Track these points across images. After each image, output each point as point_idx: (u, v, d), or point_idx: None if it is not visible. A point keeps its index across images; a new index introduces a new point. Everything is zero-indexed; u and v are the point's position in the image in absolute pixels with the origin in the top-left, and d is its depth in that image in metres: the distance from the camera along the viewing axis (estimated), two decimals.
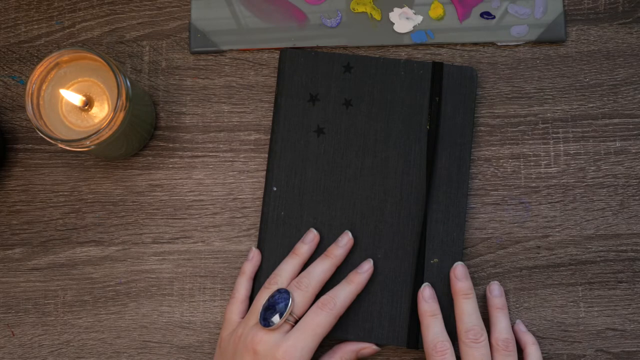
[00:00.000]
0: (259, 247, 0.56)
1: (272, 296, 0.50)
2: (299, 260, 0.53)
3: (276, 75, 0.59)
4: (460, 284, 0.52)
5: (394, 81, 0.56)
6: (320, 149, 0.56)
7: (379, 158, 0.56)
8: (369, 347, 0.53)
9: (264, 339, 0.48)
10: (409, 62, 0.57)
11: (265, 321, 0.49)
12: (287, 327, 0.49)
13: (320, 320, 0.49)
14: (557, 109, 0.58)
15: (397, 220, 0.55)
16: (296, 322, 0.50)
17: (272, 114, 0.58)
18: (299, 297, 0.50)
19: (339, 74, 0.57)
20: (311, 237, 0.54)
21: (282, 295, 0.50)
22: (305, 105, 0.57)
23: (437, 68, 0.56)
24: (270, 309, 0.49)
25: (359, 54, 0.58)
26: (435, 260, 0.54)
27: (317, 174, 0.56)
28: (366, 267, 0.53)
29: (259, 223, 0.57)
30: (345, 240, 0.54)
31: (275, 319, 0.49)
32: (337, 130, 0.56)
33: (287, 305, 0.49)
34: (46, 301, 0.58)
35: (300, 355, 0.48)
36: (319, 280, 0.51)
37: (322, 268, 0.52)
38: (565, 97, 0.58)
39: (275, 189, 0.56)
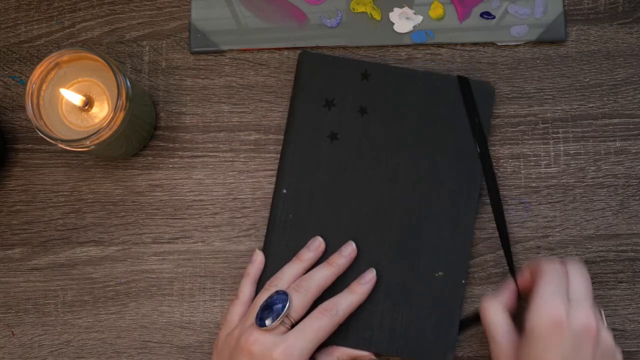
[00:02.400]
0: (264, 248, 0.55)
1: (270, 297, 0.50)
2: (302, 265, 0.53)
3: (276, 75, 0.59)
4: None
5: (410, 92, 0.56)
6: (333, 154, 0.56)
7: (390, 167, 0.55)
8: (367, 356, 0.53)
9: (260, 339, 0.48)
10: (427, 74, 0.56)
11: (261, 321, 0.49)
12: (282, 329, 0.49)
13: (321, 324, 0.49)
14: (557, 109, 0.58)
15: (404, 231, 0.55)
16: (292, 325, 0.49)
17: (272, 113, 0.58)
18: (297, 300, 0.50)
19: (356, 80, 0.56)
20: (316, 245, 0.54)
21: (281, 296, 0.49)
22: (321, 109, 0.56)
23: (455, 81, 0.56)
24: (267, 309, 0.49)
25: (363, 54, 0.58)
26: (440, 273, 0.54)
27: (327, 179, 0.55)
28: (368, 278, 0.53)
29: (258, 223, 0.57)
30: (349, 250, 0.54)
31: (271, 320, 0.48)
32: (351, 137, 0.56)
33: (284, 306, 0.49)
34: (46, 301, 0.58)
35: (299, 356, 0.48)
36: (318, 285, 0.51)
37: (323, 274, 0.52)
38: (565, 97, 0.58)
39: (285, 191, 0.56)
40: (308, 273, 0.52)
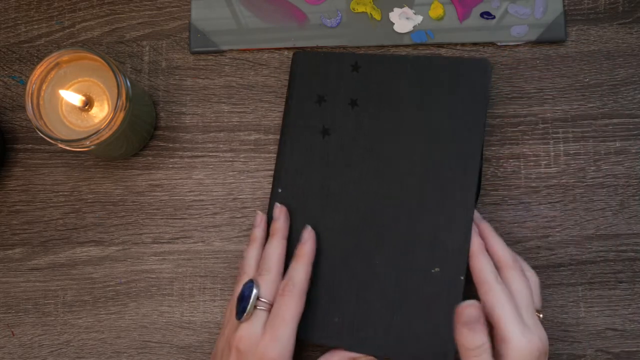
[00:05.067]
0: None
1: (241, 290, 0.51)
2: (257, 243, 0.54)
3: (276, 75, 0.59)
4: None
5: (401, 79, 0.54)
6: (325, 150, 0.55)
7: (382, 159, 0.54)
8: (364, 359, 0.53)
9: (244, 335, 0.49)
10: (416, 59, 0.54)
11: (239, 314, 0.50)
12: (262, 313, 0.49)
13: (285, 306, 0.49)
14: (557, 109, 0.58)
15: (398, 226, 0.53)
16: (271, 305, 0.50)
17: (272, 113, 0.58)
18: (264, 282, 0.50)
19: (346, 73, 0.55)
20: (258, 220, 0.55)
21: (248, 285, 0.50)
22: (313, 106, 0.56)
23: (446, 63, 0.53)
24: (241, 301, 0.50)
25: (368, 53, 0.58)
26: (437, 269, 0.51)
27: (321, 176, 0.55)
28: (306, 236, 0.53)
29: None
30: (283, 213, 0.54)
31: (245, 309, 0.49)
32: (342, 131, 0.55)
33: (251, 293, 0.49)
34: (46, 301, 0.58)
35: (282, 345, 0.48)
36: (274, 260, 0.52)
37: (272, 248, 0.52)
38: (565, 97, 0.58)
39: (280, 190, 0.55)
40: (263, 254, 0.53)
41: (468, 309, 0.46)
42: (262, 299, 0.50)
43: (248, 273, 0.52)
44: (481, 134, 0.52)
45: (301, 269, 0.51)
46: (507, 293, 0.48)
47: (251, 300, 0.49)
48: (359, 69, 0.55)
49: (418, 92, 0.54)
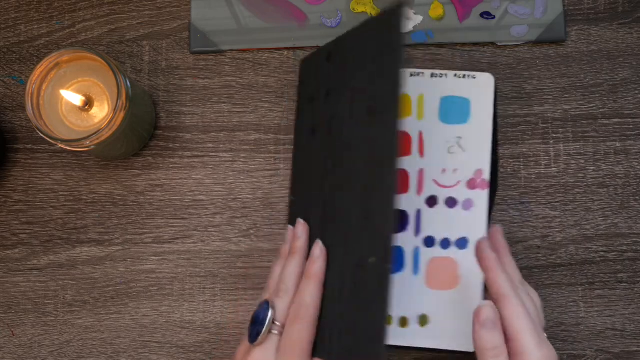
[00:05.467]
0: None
1: (255, 310, 0.49)
2: (284, 261, 0.52)
3: (276, 75, 0.59)
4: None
5: (351, 55, 0.49)
6: (314, 149, 0.53)
7: (344, 148, 0.48)
8: None
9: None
10: (364, 24, 0.47)
11: (251, 338, 0.48)
12: (275, 338, 0.48)
13: (299, 335, 0.47)
14: (557, 109, 0.58)
15: (350, 216, 0.46)
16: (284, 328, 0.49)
17: (272, 113, 0.58)
18: (280, 304, 0.48)
19: (323, 66, 0.53)
20: (290, 236, 0.52)
21: (263, 306, 0.48)
22: (307, 107, 0.54)
23: (371, 20, 0.47)
24: (254, 323, 0.48)
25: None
26: (373, 259, 0.44)
27: (312, 176, 0.52)
28: (318, 253, 0.49)
29: (259, 223, 0.57)
30: (303, 231, 0.51)
31: (258, 333, 0.47)
32: (322, 126, 0.52)
33: (266, 317, 0.47)
34: (46, 301, 0.58)
35: None
36: (293, 280, 0.50)
37: (292, 268, 0.50)
38: (565, 97, 0.58)
39: (293, 198, 0.54)
40: (280, 275, 0.50)
41: (484, 309, 0.45)
42: (277, 322, 0.48)
43: (275, 289, 0.50)
44: (398, 97, 0.43)
45: (313, 290, 0.49)
46: (525, 307, 0.47)
47: (266, 324, 0.47)
48: (330, 58, 0.52)
49: (359, 64, 0.47)
